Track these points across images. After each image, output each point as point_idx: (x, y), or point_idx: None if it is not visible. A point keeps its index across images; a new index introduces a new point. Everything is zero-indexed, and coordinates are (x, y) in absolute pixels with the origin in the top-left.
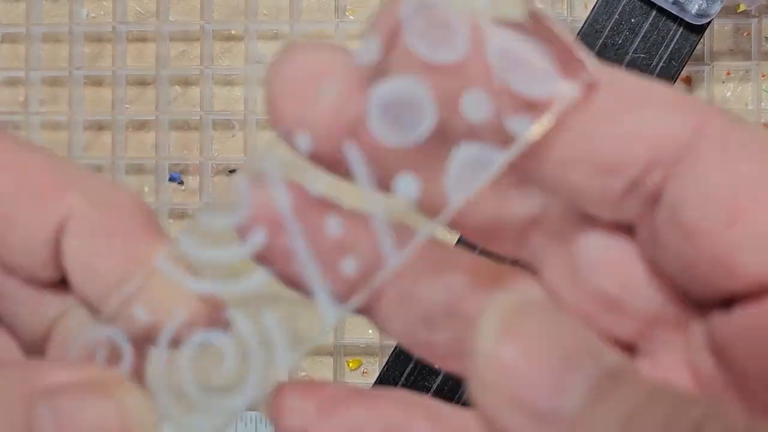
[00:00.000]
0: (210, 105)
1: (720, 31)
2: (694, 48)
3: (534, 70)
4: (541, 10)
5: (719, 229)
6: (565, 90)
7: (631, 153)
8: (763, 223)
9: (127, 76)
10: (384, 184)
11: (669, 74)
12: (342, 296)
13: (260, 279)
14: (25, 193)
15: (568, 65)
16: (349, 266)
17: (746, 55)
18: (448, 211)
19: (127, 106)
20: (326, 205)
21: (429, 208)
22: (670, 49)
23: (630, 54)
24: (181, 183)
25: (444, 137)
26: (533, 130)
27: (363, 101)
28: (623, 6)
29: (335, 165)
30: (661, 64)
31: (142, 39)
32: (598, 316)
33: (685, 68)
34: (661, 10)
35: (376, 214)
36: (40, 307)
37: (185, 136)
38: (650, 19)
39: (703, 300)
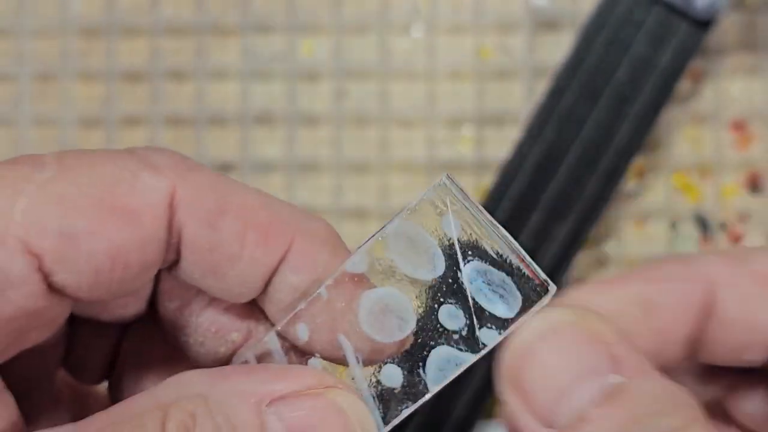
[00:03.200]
0: (204, 100)
1: (728, 26)
2: (701, 44)
3: (501, 294)
4: (510, 241)
5: None
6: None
7: None
8: None
9: (120, 72)
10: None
11: (674, 70)
12: None
13: None
14: (253, 234)
15: (533, 285)
16: None
17: (755, 50)
18: (425, 397)
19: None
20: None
21: (408, 391)
22: (675, 45)
23: (634, 50)
24: None
25: (424, 337)
26: (499, 339)
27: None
28: (627, 0)
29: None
30: (666, 60)
31: (135, 33)
32: None
33: (692, 63)
34: (667, 5)
35: (366, 393)
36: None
37: (178, 132)
38: (655, 14)
39: None
